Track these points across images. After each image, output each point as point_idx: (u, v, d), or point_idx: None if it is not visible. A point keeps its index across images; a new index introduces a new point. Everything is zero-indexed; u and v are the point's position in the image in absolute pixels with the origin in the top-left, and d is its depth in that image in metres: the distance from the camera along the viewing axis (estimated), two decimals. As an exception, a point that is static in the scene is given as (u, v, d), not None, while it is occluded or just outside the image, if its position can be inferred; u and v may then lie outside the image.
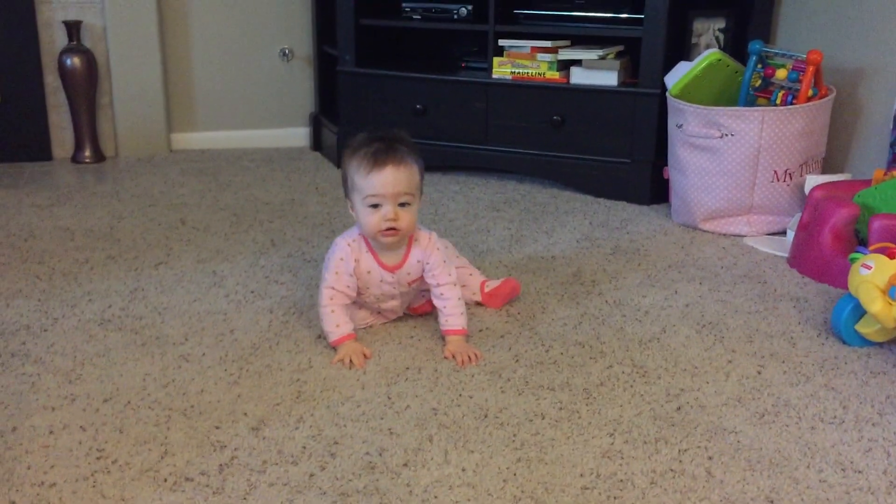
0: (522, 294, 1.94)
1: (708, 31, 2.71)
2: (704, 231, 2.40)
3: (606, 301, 1.92)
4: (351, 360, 1.60)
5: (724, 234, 2.37)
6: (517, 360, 1.62)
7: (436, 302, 1.73)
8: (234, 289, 1.95)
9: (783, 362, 1.62)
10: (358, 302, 1.75)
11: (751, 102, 2.36)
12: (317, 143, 3.32)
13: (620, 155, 2.67)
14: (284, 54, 3.33)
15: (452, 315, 1.70)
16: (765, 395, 1.49)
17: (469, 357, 1.62)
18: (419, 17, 2.93)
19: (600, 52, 2.66)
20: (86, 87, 3.06)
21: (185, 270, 2.06)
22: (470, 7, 2.87)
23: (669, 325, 1.78)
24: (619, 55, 2.72)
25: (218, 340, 1.69)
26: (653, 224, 2.48)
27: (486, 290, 1.87)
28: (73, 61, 3.01)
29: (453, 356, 1.63)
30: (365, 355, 1.63)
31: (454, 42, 3.16)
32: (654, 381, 1.54)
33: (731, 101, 2.39)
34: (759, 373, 1.57)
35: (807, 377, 1.56)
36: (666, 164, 2.59)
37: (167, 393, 1.48)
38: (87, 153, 3.11)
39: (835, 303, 1.88)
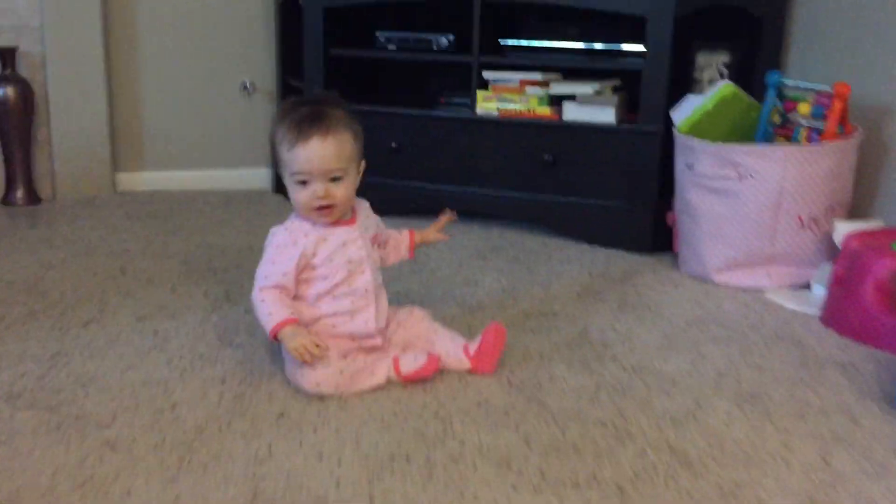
0: (525, 358, 1.64)
1: (711, 64, 2.48)
2: (719, 284, 2.13)
3: (623, 367, 1.63)
4: (308, 351, 1.42)
5: (742, 288, 2.10)
6: (528, 445, 1.32)
7: (389, 246, 1.69)
8: (178, 353, 1.63)
9: (850, 447, 1.33)
10: (324, 302, 1.52)
11: (769, 140, 2.12)
12: (279, 185, 3.01)
13: (619, 198, 2.41)
14: (245, 87, 3.04)
15: (402, 231, 1.71)
16: (842, 494, 1.20)
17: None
18: (394, 47, 2.67)
19: (596, 86, 2.41)
20: (20, 121, 2.73)
21: (120, 330, 1.73)
22: (451, 37, 2.62)
23: (703, 398, 1.50)
24: (615, 89, 2.48)
25: (154, 421, 1.36)
26: (659, 275, 2.21)
27: (472, 352, 1.56)
28: (6, 92, 2.69)
29: (441, 234, 1.74)
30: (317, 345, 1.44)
31: (433, 75, 2.90)
32: (700, 472, 1.25)
33: (746, 138, 2.15)
34: (826, 461, 1.29)
35: (884, 467, 1.28)
36: (670, 209, 2.33)
37: (82, 495, 1.15)
38: (20, 194, 2.76)
39: (888, 368, 1.62)
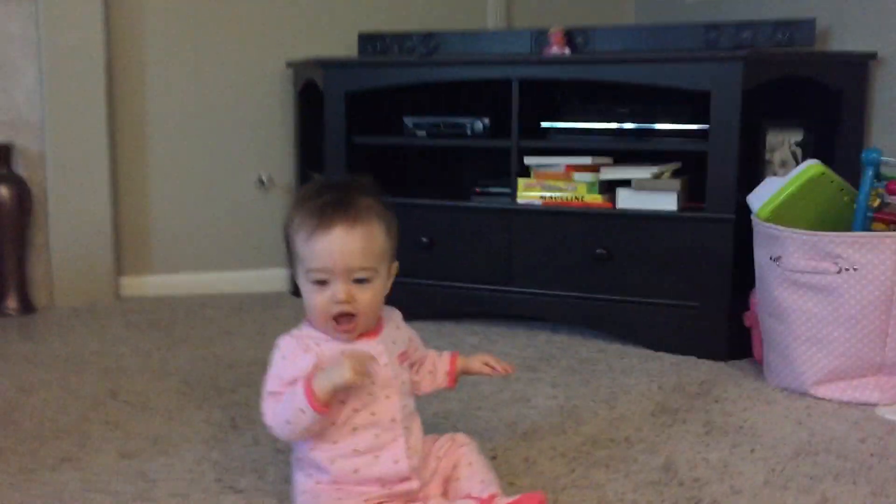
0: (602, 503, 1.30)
1: (783, 144, 2.21)
2: (818, 398, 1.78)
3: (729, 516, 1.28)
4: (359, 367, 1.15)
5: (846, 403, 1.75)
6: None
7: (423, 370, 1.38)
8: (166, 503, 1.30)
9: None
10: (341, 437, 1.21)
11: (867, 227, 1.81)
12: (297, 288, 2.73)
13: (686, 297, 2.09)
14: (262, 182, 2.80)
15: (442, 354, 1.41)
16: None
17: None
18: (424, 133, 2.42)
19: (654, 170, 2.13)
20: (15, 223, 2.49)
21: (98, 472, 1.41)
22: (487, 121, 2.37)
23: (847, 562, 1.14)
24: (676, 173, 2.20)
25: None
26: (744, 388, 1.87)
27: (498, 502, 1.21)
28: (1, 193, 2.45)
29: (490, 367, 1.39)
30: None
31: (467, 163, 2.64)
32: None
33: (837, 225, 1.84)
34: None
35: None
36: (747, 309, 2.01)
37: None
38: (12, 304, 2.49)
39: None
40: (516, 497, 1.19)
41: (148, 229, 2.73)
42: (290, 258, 1.23)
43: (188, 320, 2.41)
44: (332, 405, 1.16)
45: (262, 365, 1.23)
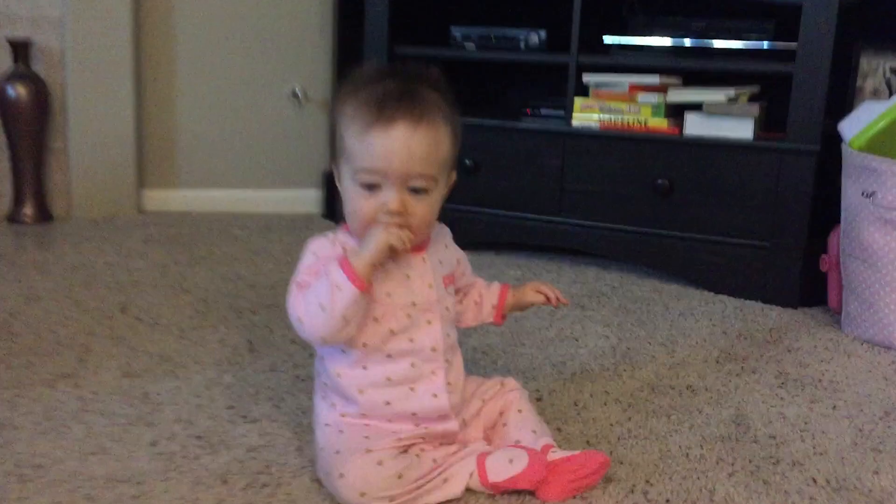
0: (665, 459, 1.13)
1: (877, 70, 1.96)
2: (906, 353, 1.58)
3: (815, 481, 1.10)
4: (396, 238, 0.99)
5: (940, 360, 1.55)
6: None
7: (468, 299, 1.20)
8: (168, 430, 1.15)
9: None
10: (372, 362, 1.04)
11: (979, 162, 1.57)
12: (330, 210, 2.56)
13: (756, 236, 1.88)
14: (295, 95, 2.60)
15: (492, 285, 1.22)
16: None
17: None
18: (473, 45, 2.20)
19: (730, 93, 1.90)
20: (32, 126, 2.33)
21: (97, 392, 1.26)
22: (543, 33, 2.14)
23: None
24: (754, 97, 1.96)
25: (107, 551, 0.88)
26: (819, 338, 1.67)
27: (552, 456, 1.03)
28: (18, 91, 2.29)
29: (545, 296, 1.20)
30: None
31: (519, 79, 2.42)
32: None
33: (942, 160, 1.61)
34: None
35: None
36: (825, 251, 1.80)
37: None
38: (28, 211, 2.35)
39: None
40: (574, 453, 1.02)
41: (174, 140, 2.56)
42: (333, 150, 1.05)
43: (212, 238, 2.26)
44: (371, 284, 0.99)
45: (286, 287, 1.06)
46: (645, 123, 1.98)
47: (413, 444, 1.02)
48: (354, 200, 1.01)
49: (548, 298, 1.20)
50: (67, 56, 2.37)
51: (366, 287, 0.98)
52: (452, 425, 1.05)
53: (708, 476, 1.10)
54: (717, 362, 1.52)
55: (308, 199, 2.63)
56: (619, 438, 1.20)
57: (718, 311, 1.81)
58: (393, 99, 0.98)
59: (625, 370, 1.46)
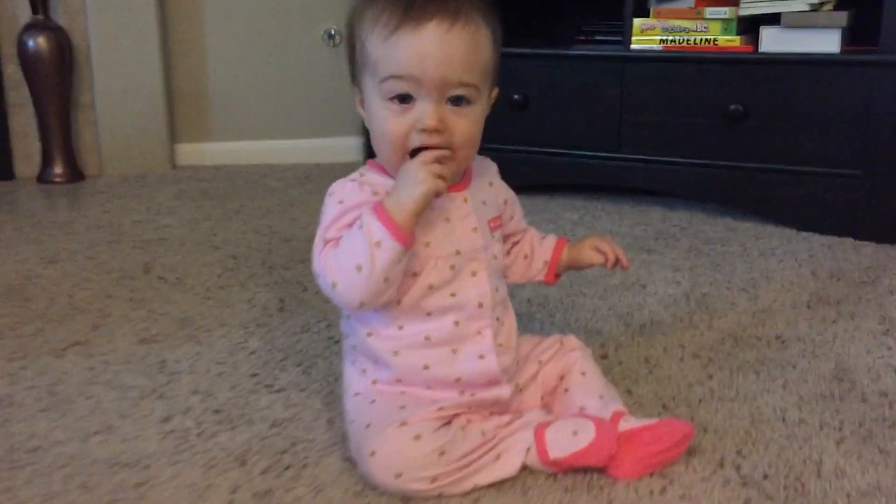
0: (758, 425, 0.95)
1: None
2: None
3: (943, 448, 0.91)
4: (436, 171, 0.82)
5: None
6: None
7: (517, 251, 1.03)
8: (184, 403, 1.02)
9: None
10: (410, 321, 0.88)
11: None
12: (371, 155, 2.40)
13: (845, 164, 1.67)
14: (330, 36, 2.44)
15: (546, 237, 1.05)
16: None
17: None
18: (518, -33, 2.00)
19: (811, 0, 1.67)
20: (56, 80, 2.22)
21: (109, 361, 1.14)
22: (595, -52, 1.92)
23: None
24: (839, 5, 1.72)
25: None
26: (924, 277, 1.46)
27: (624, 426, 0.87)
28: (39, 43, 2.18)
29: (604, 255, 1.01)
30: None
31: (570, 2, 2.20)
32: None
33: None
34: None
35: None
36: (927, 178, 1.58)
37: None
38: (59, 170, 2.25)
39: None
40: (650, 422, 0.86)
41: (205, 90, 2.43)
42: (354, 70, 0.89)
43: (246, 191, 2.12)
44: (414, 236, 0.83)
45: None
46: (714, 42, 1.76)
47: (457, 415, 0.87)
48: (382, 120, 0.85)
49: (606, 259, 1.02)
50: (89, 3, 2.23)
51: (410, 241, 0.82)
52: (504, 391, 0.89)
53: (811, 444, 0.92)
54: (809, 307, 1.33)
55: (348, 147, 2.48)
56: (700, 401, 1.03)
57: (804, 250, 1.61)
58: None
59: (701, 320, 1.28)
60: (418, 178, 0.82)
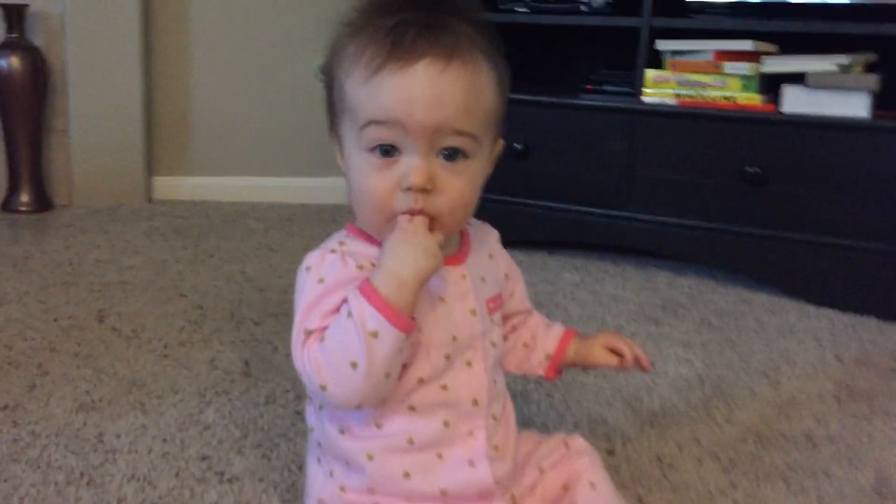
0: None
1: None
2: None
3: None
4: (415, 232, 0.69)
5: None
6: None
7: (515, 337, 0.88)
8: (115, 494, 0.86)
9: None
10: (391, 419, 0.73)
11: None
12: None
13: (870, 237, 1.54)
14: (322, 71, 2.31)
15: (552, 327, 0.89)
16: None
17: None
18: (526, 9, 1.88)
19: (842, 61, 1.55)
20: (28, 103, 2.08)
21: (38, 433, 0.98)
22: (609, -8, 1.81)
23: None
24: (869, 67, 1.61)
25: None
26: (961, 368, 1.32)
27: None
28: (11, 63, 2.04)
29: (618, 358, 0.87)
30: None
31: (580, 48, 2.09)
32: None
33: None
34: None
35: None
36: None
37: None
38: (26, 198, 2.10)
39: None
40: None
41: (187, 121, 2.29)
42: (332, 116, 0.75)
43: (223, 230, 1.98)
44: (415, 319, 0.69)
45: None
46: (734, 100, 1.64)
47: (441, 533, 0.72)
48: (362, 175, 0.71)
49: (622, 360, 0.87)
50: (68, 23, 2.11)
51: (412, 326, 0.68)
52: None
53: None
54: (838, 400, 1.18)
55: (336, 189, 2.34)
56: (723, 515, 0.88)
57: (825, 329, 1.47)
58: (412, 28, 0.68)
59: (718, 410, 1.13)
60: (428, 249, 0.68)
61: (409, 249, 0.68)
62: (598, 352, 0.87)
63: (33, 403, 1.05)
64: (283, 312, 1.43)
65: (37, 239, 1.84)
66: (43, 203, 2.12)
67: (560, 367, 0.88)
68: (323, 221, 2.13)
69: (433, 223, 0.70)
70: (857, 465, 1.00)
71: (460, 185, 0.70)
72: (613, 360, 0.87)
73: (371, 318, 0.67)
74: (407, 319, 0.67)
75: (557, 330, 0.89)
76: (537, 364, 0.88)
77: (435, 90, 0.67)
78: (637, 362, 0.87)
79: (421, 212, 0.69)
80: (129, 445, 0.96)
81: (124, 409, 1.05)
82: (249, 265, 1.71)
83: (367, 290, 0.68)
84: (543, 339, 0.88)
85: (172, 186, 2.30)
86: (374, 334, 0.66)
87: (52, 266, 1.63)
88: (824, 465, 1.00)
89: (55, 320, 1.34)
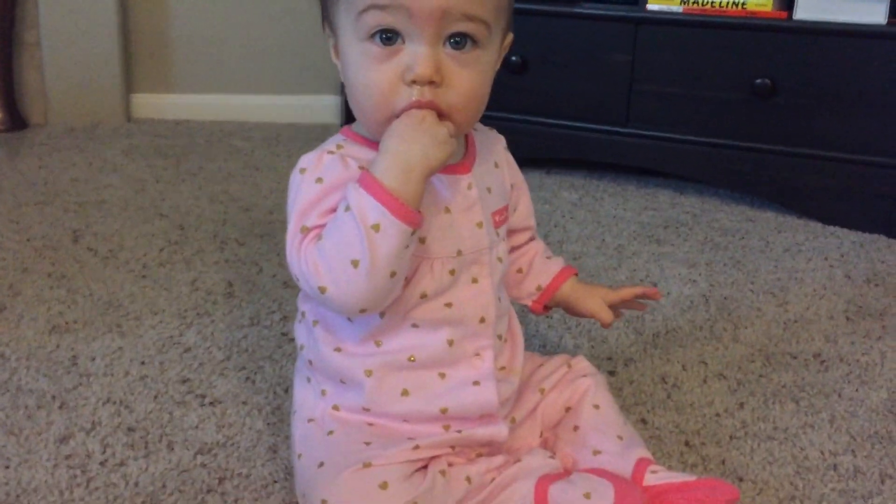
0: (808, 483, 0.76)
1: None
2: None
3: None
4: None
5: None
6: None
7: (511, 259, 0.80)
8: (91, 418, 0.81)
9: None
10: (391, 334, 0.68)
11: None
12: (351, 119, 2.18)
13: (884, 152, 1.47)
14: (308, -18, 2.19)
15: (552, 259, 0.83)
16: None
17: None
18: (523, -89, 1.76)
19: (859, -37, 1.46)
20: (-3, 15, 1.96)
21: (8, 355, 0.93)
22: None
23: None
24: (889, -29, 1.52)
25: None
26: (975, 286, 1.27)
27: (651, 479, 0.67)
28: (-23, -29, 1.92)
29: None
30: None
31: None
32: None
33: None
34: None
35: None
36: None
37: None
38: (-1, 117, 2.01)
39: None
40: (687, 479, 0.66)
41: (167, 35, 2.18)
42: (324, 4, 0.68)
43: (206, 150, 1.89)
44: (421, 213, 0.63)
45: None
46: (743, 5, 1.55)
47: (437, 457, 0.67)
48: (360, 68, 0.64)
49: (622, 300, 0.82)
50: (35, -71, 1.98)
51: (418, 219, 0.62)
52: (500, 430, 0.69)
53: (877, 507, 0.73)
54: (848, 319, 1.14)
55: (325, 107, 2.25)
56: (731, 438, 0.84)
57: (834, 248, 1.42)
58: None
59: (724, 330, 1.09)
60: (437, 135, 0.61)
61: (416, 135, 0.61)
62: (593, 301, 0.81)
63: (2, 325, 0.99)
64: (268, 233, 1.36)
65: (9, 158, 1.76)
66: (16, 121, 2.03)
67: (549, 302, 0.82)
68: (311, 141, 2.03)
69: (442, 119, 0.63)
70: (870, 385, 0.96)
71: (471, 76, 0.63)
72: (607, 315, 0.80)
73: (372, 209, 0.60)
74: (412, 211, 0.61)
75: (556, 263, 0.83)
76: (526, 294, 0.82)
77: None
78: (644, 297, 0.81)
79: (429, 105, 0.62)
80: (104, 368, 0.90)
81: (100, 331, 0.99)
82: (234, 185, 1.63)
83: (368, 180, 0.61)
84: (539, 269, 0.82)
85: (153, 105, 2.20)
86: (376, 227, 0.60)
87: (26, 185, 1.55)
88: (835, 385, 0.95)
89: (28, 240, 1.27)
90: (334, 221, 0.63)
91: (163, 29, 2.17)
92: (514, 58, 1.73)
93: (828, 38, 1.49)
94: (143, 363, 0.92)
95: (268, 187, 1.62)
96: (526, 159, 1.76)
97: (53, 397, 0.84)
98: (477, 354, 0.68)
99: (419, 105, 0.63)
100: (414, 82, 0.62)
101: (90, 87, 2.08)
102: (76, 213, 1.41)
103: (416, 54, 0.62)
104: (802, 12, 1.51)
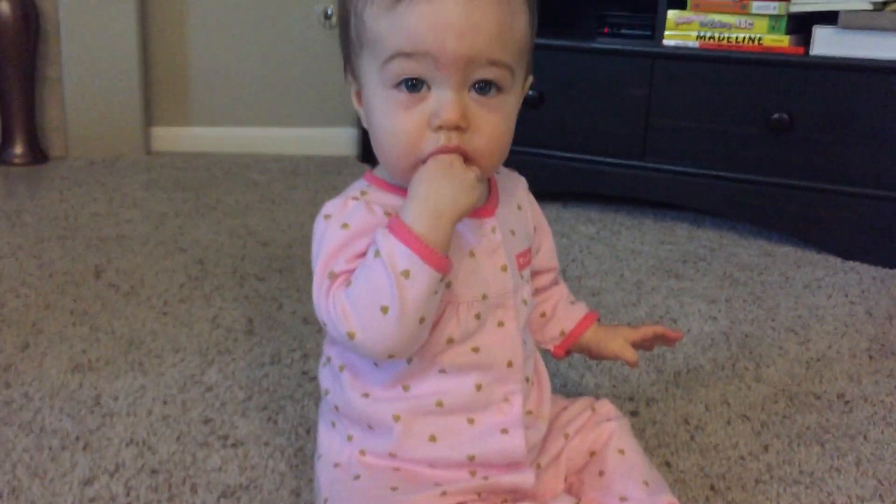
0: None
1: None
2: None
3: None
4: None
5: None
6: None
7: (535, 302, 0.80)
8: (115, 459, 0.81)
9: None
10: (419, 379, 0.68)
11: None
12: (367, 152, 2.19)
13: (902, 187, 1.47)
14: (327, 16, 2.22)
15: (575, 304, 0.84)
16: None
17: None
18: (539, -52, 1.78)
19: (876, -1, 1.47)
20: (19, 50, 2.00)
21: (31, 395, 0.93)
22: (627, -71, 1.72)
23: None
24: (905, 7, 1.52)
25: None
26: None
27: None
28: (2, 9, 1.95)
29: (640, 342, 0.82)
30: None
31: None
32: None
33: None
34: None
35: None
36: None
37: None
38: (19, 150, 2.03)
39: None
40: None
41: (186, 69, 2.21)
42: (348, 54, 0.68)
43: (225, 183, 1.91)
44: (449, 259, 0.63)
45: (307, 246, 0.70)
46: (759, 41, 1.56)
47: (463, 503, 0.67)
48: (386, 115, 0.64)
49: (642, 340, 0.82)
50: (58, -33, 2.02)
51: (447, 265, 0.62)
52: (527, 478, 0.69)
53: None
54: (871, 358, 1.13)
55: (342, 139, 2.27)
56: (756, 482, 0.83)
57: (854, 283, 1.41)
58: None
59: (746, 368, 1.08)
60: (465, 181, 0.62)
61: (445, 180, 0.61)
62: (616, 343, 0.81)
63: (26, 363, 1.00)
64: (287, 268, 1.37)
65: (31, 192, 1.78)
66: (37, 155, 2.06)
67: (571, 347, 0.83)
68: (328, 174, 2.06)
69: (468, 164, 0.63)
70: (895, 427, 0.95)
71: (497, 120, 0.64)
72: (631, 355, 0.81)
73: (401, 255, 0.60)
74: (442, 257, 0.61)
75: (580, 309, 0.83)
76: (549, 339, 0.82)
77: (468, 16, 0.60)
78: (664, 339, 0.82)
79: (456, 150, 0.63)
80: (127, 407, 0.91)
81: (122, 370, 0.99)
82: (251, 218, 1.64)
83: (397, 225, 0.61)
84: (563, 314, 0.82)
85: (172, 137, 2.22)
86: (406, 273, 0.60)
87: (47, 220, 1.57)
88: (860, 427, 0.94)
89: (50, 276, 1.28)
90: (363, 267, 0.63)
91: (182, 63, 2.20)
92: (531, 92, 1.74)
93: (844, 74, 1.49)
94: (165, 402, 0.92)
95: (285, 221, 1.63)
96: (543, 193, 1.76)
97: (77, 438, 0.84)
98: (506, 399, 0.68)
99: (446, 150, 0.63)
100: (440, 128, 0.63)
101: (110, 120, 2.11)
102: (97, 248, 1.42)
103: (443, 100, 0.62)
104: (819, 48, 1.51)
